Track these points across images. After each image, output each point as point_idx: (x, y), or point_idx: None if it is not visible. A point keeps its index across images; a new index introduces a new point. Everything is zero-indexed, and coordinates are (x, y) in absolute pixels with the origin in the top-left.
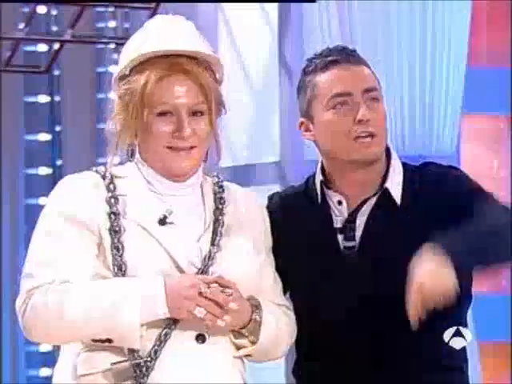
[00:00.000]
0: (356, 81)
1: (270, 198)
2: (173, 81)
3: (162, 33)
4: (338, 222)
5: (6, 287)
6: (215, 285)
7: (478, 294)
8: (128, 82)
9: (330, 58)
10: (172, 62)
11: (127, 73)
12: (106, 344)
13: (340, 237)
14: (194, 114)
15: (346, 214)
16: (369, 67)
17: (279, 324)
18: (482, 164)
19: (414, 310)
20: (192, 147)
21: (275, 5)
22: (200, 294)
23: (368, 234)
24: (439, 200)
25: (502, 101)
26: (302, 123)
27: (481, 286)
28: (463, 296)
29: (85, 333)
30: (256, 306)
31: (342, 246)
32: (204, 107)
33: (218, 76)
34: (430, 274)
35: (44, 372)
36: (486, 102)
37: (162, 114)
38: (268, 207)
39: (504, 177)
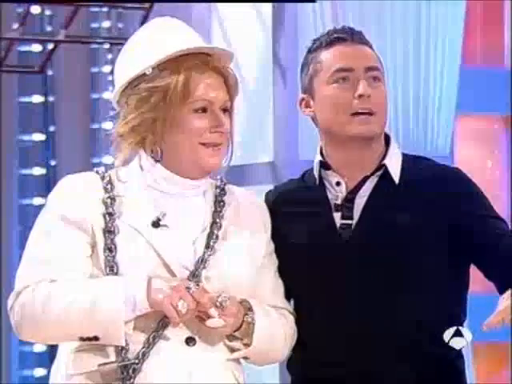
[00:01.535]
0: (359, 58)
1: (267, 193)
2: (207, 77)
3: (180, 32)
4: (337, 199)
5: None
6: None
7: (472, 294)
8: (152, 81)
9: (335, 35)
10: (203, 60)
11: (148, 72)
12: (94, 342)
13: (337, 215)
14: (223, 111)
15: (344, 194)
16: (373, 50)
17: (275, 326)
18: (477, 164)
19: (503, 314)
20: (219, 144)
21: (269, 4)
22: (187, 288)
23: (367, 214)
24: (438, 189)
25: (497, 101)
26: (302, 99)
27: (475, 286)
28: (463, 295)
29: (70, 329)
30: (248, 309)
31: (338, 224)
32: (229, 105)
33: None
34: None
35: (38, 372)
36: (480, 102)
37: (197, 110)
38: (265, 201)
39: (499, 177)
